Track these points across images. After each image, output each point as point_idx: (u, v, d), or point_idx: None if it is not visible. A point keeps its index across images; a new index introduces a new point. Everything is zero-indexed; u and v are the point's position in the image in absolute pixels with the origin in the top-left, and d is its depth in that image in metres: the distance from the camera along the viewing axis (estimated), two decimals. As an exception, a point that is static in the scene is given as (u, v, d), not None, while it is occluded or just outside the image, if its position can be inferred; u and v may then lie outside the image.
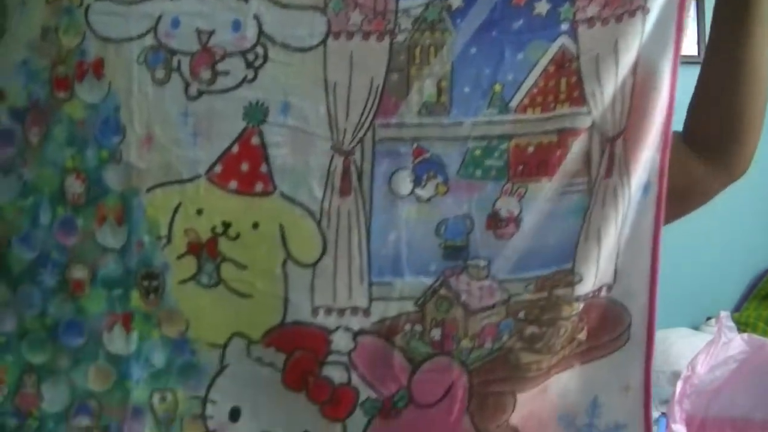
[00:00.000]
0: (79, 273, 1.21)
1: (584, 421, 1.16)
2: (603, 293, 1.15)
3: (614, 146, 1.12)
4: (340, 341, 1.14)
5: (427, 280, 1.12)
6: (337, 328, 1.14)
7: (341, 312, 1.13)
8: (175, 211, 1.18)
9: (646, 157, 1.12)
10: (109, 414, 1.22)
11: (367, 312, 1.13)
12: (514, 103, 1.12)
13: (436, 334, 1.13)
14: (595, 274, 1.13)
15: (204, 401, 1.19)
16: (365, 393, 1.15)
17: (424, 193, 1.12)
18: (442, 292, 1.12)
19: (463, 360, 1.13)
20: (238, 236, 1.16)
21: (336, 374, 1.15)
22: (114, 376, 1.22)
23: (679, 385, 2.16)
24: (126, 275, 1.20)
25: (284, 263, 1.14)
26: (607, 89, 1.10)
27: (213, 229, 1.16)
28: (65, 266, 1.22)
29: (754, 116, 1.15)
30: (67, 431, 1.23)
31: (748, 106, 1.14)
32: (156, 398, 1.21)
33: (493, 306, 1.12)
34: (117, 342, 1.22)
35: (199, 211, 1.17)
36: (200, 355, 1.18)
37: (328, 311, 1.14)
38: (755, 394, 2.16)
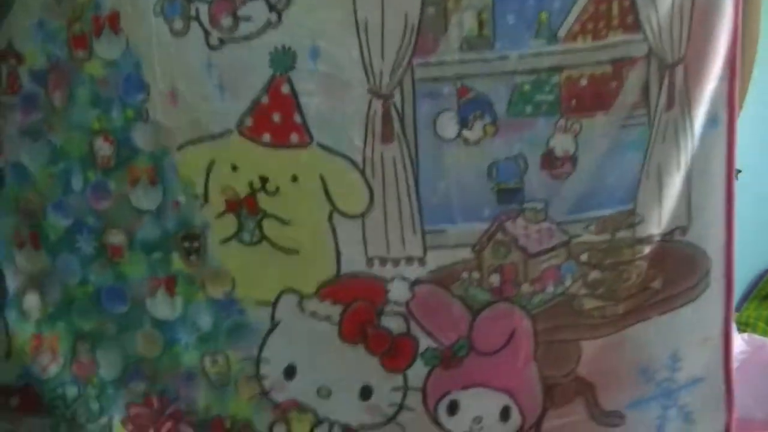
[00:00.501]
0: (115, 238, 1.21)
1: (663, 375, 1.15)
2: (677, 237, 1.11)
3: (674, 75, 1.06)
4: (397, 291, 1.14)
5: (482, 226, 1.10)
6: (394, 277, 1.14)
7: (396, 262, 1.11)
8: (209, 168, 1.15)
9: (712, 87, 1.07)
10: (162, 378, 1.24)
11: (422, 261, 1.11)
12: (562, 32, 1.06)
13: (495, 280, 1.10)
14: (658, 214, 1.10)
15: (257, 361, 1.20)
16: (425, 342, 1.15)
17: (471, 135, 1.08)
18: (499, 236, 1.10)
19: (525, 305, 1.12)
20: (277, 191, 1.13)
21: (394, 324, 1.15)
22: (162, 342, 1.24)
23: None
24: (165, 237, 1.19)
25: (330, 216, 1.13)
26: (663, 12, 1.04)
27: (250, 184, 1.14)
28: (101, 231, 1.21)
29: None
30: (126, 396, 1.24)
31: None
32: (207, 361, 1.21)
33: (553, 248, 1.09)
34: (161, 307, 1.22)
35: (234, 167, 1.14)
36: (249, 314, 1.18)
37: (383, 261, 1.13)
38: (756, 394, 2.15)
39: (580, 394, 1.15)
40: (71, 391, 1.27)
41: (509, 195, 1.09)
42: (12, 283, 1.26)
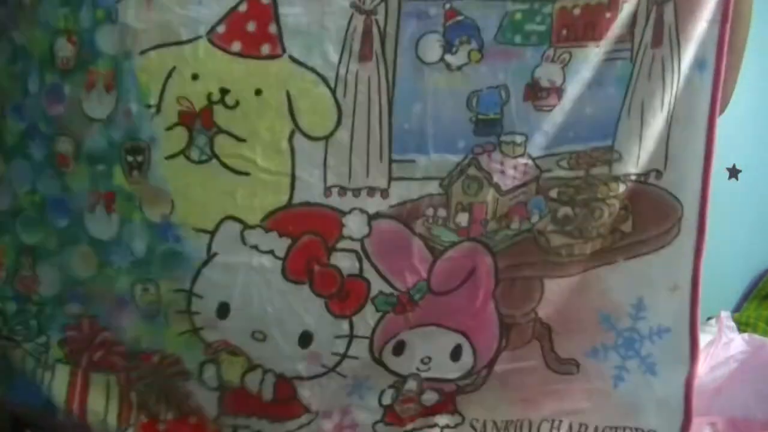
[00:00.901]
0: (64, 146, 1.12)
1: (626, 324, 1.03)
2: (652, 180, 1.03)
3: (663, 11, 1.01)
4: (354, 225, 1.04)
5: (455, 158, 1.01)
6: (352, 210, 1.03)
7: (357, 192, 1.02)
8: (169, 76, 1.07)
9: (701, 29, 1.01)
10: (96, 301, 1.13)
11: (385, 193, 1.02)
12: (558, -39, 0.99)
13: (462, 219, 1.01)
14: (637, 154, 1.02)
15: (189, 295, 1.08)
16: (378, 286, 1.04)
17: (454, 60, 1.00)
18: (471, 171, 1.00)
19: (488, 242, 1.02)
20: (236, 104, 1.05)
21: (346, 263, 1.04)
22: (96, 262, 1.13)
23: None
24: (110, 149, 1.10)
25: (291, 136, 1.04)
26: None
27: (209, 96, 1.05)
28: (52, 138, 1.12)
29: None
30: (63, 317, 1.14)
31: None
32: (138, 289, 1.11)
33: (524, 184, 0.99)
34: (98, 224, 1.12)
35: (195, 76, 1.06)
36: (185, 243, 1.08)
37: (342, 191, 1.03)
38: (756, 394, 2.06)
39: (538, 338, 1.05)
40: (11, 307, 1.16)
41: (488, 126, 1.01)
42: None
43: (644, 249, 1.04)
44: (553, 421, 1.10)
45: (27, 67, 1.12)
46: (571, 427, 1.09)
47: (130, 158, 1.09)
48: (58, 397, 1.16)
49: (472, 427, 1.10)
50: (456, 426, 1.10)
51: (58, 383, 1.16)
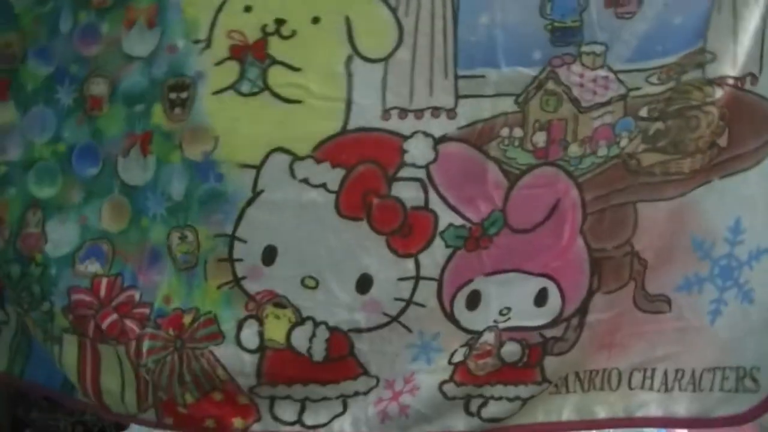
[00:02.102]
0: (98, 88, 1.03)
1: (723, 250, 0.90)
2: (748, 86, 0.90)
3: None
4: (417, 150, 0.91)
5: (531, 71, 0.90)
6: (414, 133, 0.91)
7: (419, 113, 0.90)
8: (219, 9, 0.98)
9: None
10: (122, 258, 1.01)
11: (452, 113, 0.90)
12: None
13: (540, 139, 0.89)
14: (733, 51, 0.90)
15: (231, 240, 0.96)
16: (447, 218, 0.91)
17: None
18: (549, 85, 0.89)
19: (571, 170, 0.89)
20: (293, 34, 0.96)
21: (410, 194, 0.92)
22: (129, 212, 1.01)
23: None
24: (151, 87, 1.01)
25: (348, 60, 0.94)
26: None
27: (263, 28, 0.96)
28: (84, 81, 1.03)
29: None
30: (72, 278, 1.01)
31: None
32: (174, 238, 0.99)
33: (609, 102, 0.89)
34: (133, 169, 1.01)
35: (247, 8, 0.98)
36: (228, 181, 0.96)
37: (403, 113, 0.91)
38: None
39: (634, 278, 0.89)
40: (15, 270, 1.05)
41: (565, 35, 0.90)
42: (-36, 140, 1.07)
43: (741, 165, 0.91)
44: (645, 370, 0.94)
45: (58, 7, 1.04)
46: (666, 374, 0.94)
47: (172, 95, 0.99)
48: (70, 373, 1.03)
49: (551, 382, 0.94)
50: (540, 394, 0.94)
51: (67, 357, 1.03)
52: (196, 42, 0.98)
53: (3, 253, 1.04)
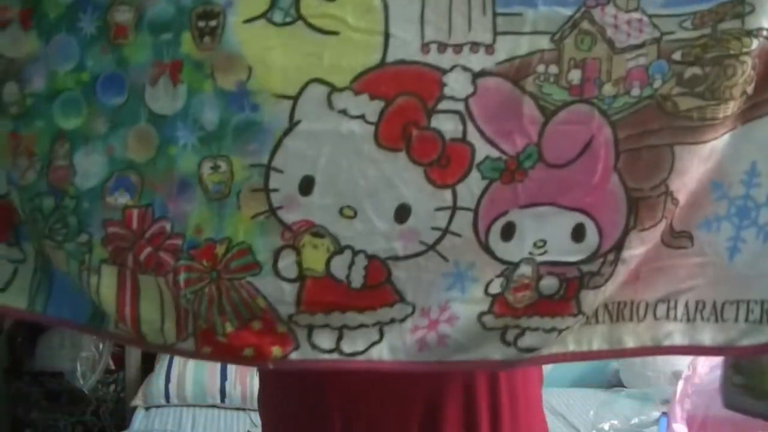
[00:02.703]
0: (123, 15, 1.01)
1: (739, 192, 0.94)
2: None
3: None
4: (456, 84, 0.92)
5: (566, 11, 0.92)
6: (453, 67, 0.92)
7: (458, 48, 0.92)
8: None
9: None
10: (151, 188, 1.01)
11: (490, 48, 0.92)
12: None
13: (574, 76, 0.91)
14: None
15: (267, 170, 0.96)
16: (483, 151, 0.93)
17: None
18: (584, 25, 0.91)
19: (605, 109, 0.92)
20: None
21: (448, 126, 0.93)
22: (157, 141, 1.01)
23: (680, 384, 2.12)
24: (178, 15, 0.99)
25: None
26: None
27: None
28: (107, 8, 1.01)
29: None
30: (102, 210, 1.01)
31: None
32: (206, 167, 0.99)
33: (642, 45, 0.91)
34: (162, 98, 1.00)
35: None
36: (264, 111, 0.96)
37: (442, 48, 0.93)
38: None
39: (665, 216, 0.93)
40: (47, 203, 1.03)
41: (600, -25, 0.93)
42: (-12, 69, 1.05)
43: (759, 111, 0.94)
44: (668, 301, 0.98)
45: None
46: (687, 305, 0.98)
47: (201, 23, 0.98)
48: (107, 303, 1.02)
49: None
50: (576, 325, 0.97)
51: (105, 288, 1.02)
52: None
53: (34, 185, 1.03)
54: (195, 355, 1.01)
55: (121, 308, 1.01)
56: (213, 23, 0.97)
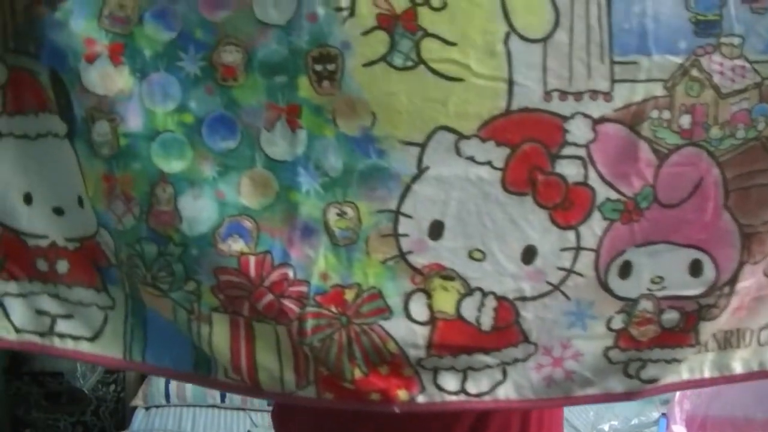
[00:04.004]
0: (231, 56, 0.98)
1: None
2: None
3: None
4: (578, 130, 0.97)
5: (677, 59, 0.98)
6: (574, 114, 0.96)
7: (578, 96, 0.95)
8: None
9: None
10: (268, 234, 0.98)
11: (608, 96, 0.96)
12: None
13: (685, 121, 0.97)
14: None
15: (396, 215, 0.97)
16: (603, 193, 0.98)
17: None
18: (693, 72, 0.98)
19: (713, 151, 0.99)
20: (444, 6, 0.96)
21: (571, 170, 0.97)
22: (275, 187, 0.99)
23: (680, 385, 2.11)
24: (292, 57, 0.97)
25: (506, 38, 0.96)
26: None
27: None
28: (212, 48, 0.98)
29: None
30: (216, 257, 0.97)
31: None
32: (332, 213, 0.98)
33: (745, 89, 0.99)
34: (279, 143, 0.98)
35: None
36: (391, 157, 0.97)
37: (564, 95, 0.96)
38: (756, 394, 2.17)
39: None
40: (150, 249, 0.99)
41: (707, 27, 0.98)
42: (78, 107, 0.98)
43: None
44: None
45: None
46: None
47: (318, 67, 0.96)
48: (220, 352, 1.00)
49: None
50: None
51: (218, 337, 1.00)
52: (338, 9, 0.95)
53: (134, 231, 0.98)
54: (315, 401, 1.01)
55: (236, 357, 0.99)
56: (331, 67, 0.96)
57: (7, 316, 1.04)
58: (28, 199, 1.03)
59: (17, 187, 1.02)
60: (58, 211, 1.03)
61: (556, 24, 0.96)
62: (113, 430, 3.28)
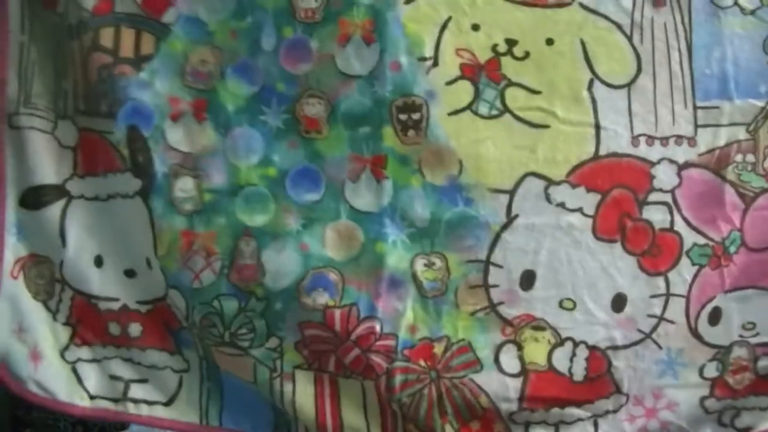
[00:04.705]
0: (313, 108, 0.97)
1: None
2: None
3: None
4: (664, 176, 0.96)
5: (759, 102, 0.98)
6: (661, 160, 0.96)
7: (664, 141, 0.95)
8: (443, 26, 0.96)
9: None
10: (354, 287, 0.97)
11: (693, 141, 0.96)
12: None
13: None
14: None
15: (486, 265, 0.95)
16: (691, 238, 0.97)
17: (747, 3, 0.98)
18: (775, 116, 0.95)
19: None
20: (527, 56, 0.96)
21: (658, 216, 0.97)
22: (361, 238, 0.97)
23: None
24: (376, 107, 0.97)
25: (590, 85, 0.96)
26: None
27: (494, 47, 0.96)
28: (295, 101, 0.97)
29: None
30: (301, 311, 0.96)
31: None
32: (419, 264, 0.96)
33: None
34: (365, 194, 0.97)
35: (475, 27, 0.97)
36: (479, 205, 0.96)
37: (650, 140, 0.96)
38: None
39: None
40: (229, 306, 0.97)
41: (785, 70, 0.99)
42: (160, 164, 0.97)
43: None
44: None
45: (258, 21, 0.97)
46: None
47: (403, 116, 0.96)
48: (304, 412, 0.98)
49: None
50: None
51: (302, 396, 0.98)
52: (422, 59, 0.96)
53: (213, 287, 0.96)
54: None
55: (321, 416, 0.97)
56: (416, 116, 0.95)
57: (80, 382, 1.02)
58: (98, 261, 1.01)
59: (88, 250, 1.01)
60: (130, 273, 1.01)
61: (639, 70, 0.96)
62: (113, 430, 3.19)
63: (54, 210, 1.00)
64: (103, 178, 1.00)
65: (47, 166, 0.99)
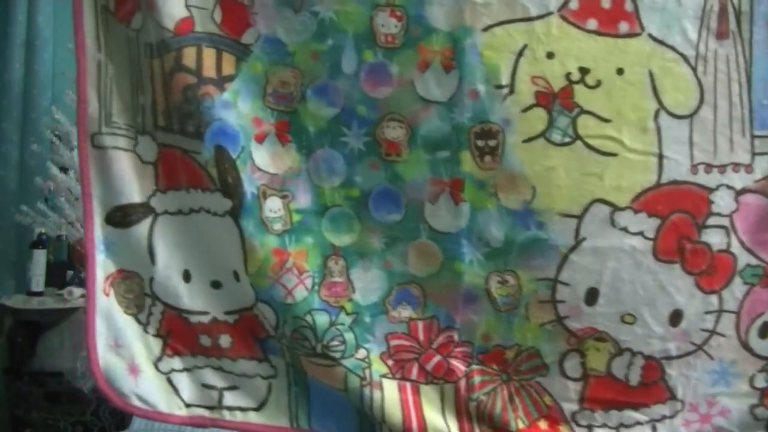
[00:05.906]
0: (394, 132, 1.02)
1: None
2: None
3: None
4: (722, 201, 1.03)
5: None
6: (719, 186, 1.02)
7: (722, 168, 1.01)
8: (520, 54, 1.00)
9: None
10: (435, 301, 1.04)
11: (749, 168, 1.03)
12: None
13: None
14: None
15: (554, 283, 1.02)
16: (744, 259, 1.04)
17: None
18: (825, 144, 1.01)
19: None
20: (598, 84, 1.00)
21: (716, 239, 1.03)
22: (440, 257, 1.04)
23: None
24: (455, 133, 1.02)
25: (656, 115, 1.01)
26: None
27: (567, 75, 1.00)
28: (376, 124, 1.02)
29: None
30: (388, 323, 1.04)
31: None
32: (494, 281, 1.03)
33: None
34: (443, 215, 1.03)
35: (550, 55, 1.01)
36: (549, 229, 1.02)
37: (708, 168, 1.02)
38: None
39: None
40: (321, 320, 1.03)
41: (837, 101, 1.05)
42: (249, 185, 1.01)
43: None
44: None
45: (339, 45, 1.01)
46: None
47: (480, 142, 1.01)
48: (392, 417, 1.05)
49: None
50: None
51: (389, 402, 1.05)
52: (498, 87, 1.00)
53: (305, 302, 1.02)
54: None
55: (407, 420, 1.04)
56: (492, 143, 1.00)
57: (177, 392, 1.07)
58: (186, 276, 1.05)
59: (176, 265, 1.05)
60: (216, 285, 1.05)
61: (701, 101, 1.01)
62: (113, 430, 3.27)
63: (141, 229, 1.03)
64: (186, 192, 1.03)
65: (131, 184, 1.03)
